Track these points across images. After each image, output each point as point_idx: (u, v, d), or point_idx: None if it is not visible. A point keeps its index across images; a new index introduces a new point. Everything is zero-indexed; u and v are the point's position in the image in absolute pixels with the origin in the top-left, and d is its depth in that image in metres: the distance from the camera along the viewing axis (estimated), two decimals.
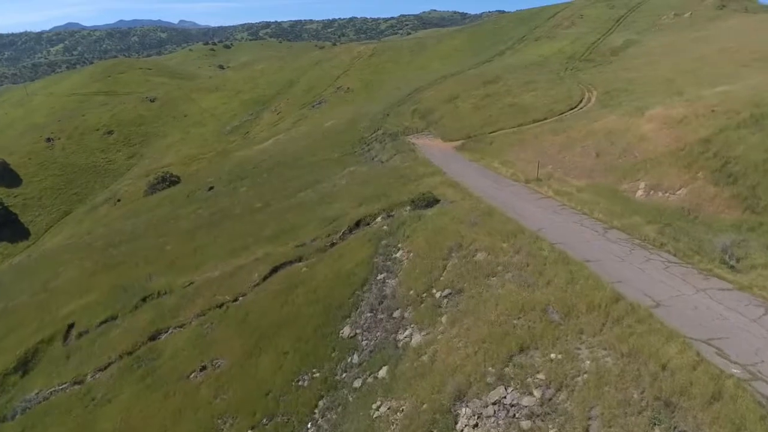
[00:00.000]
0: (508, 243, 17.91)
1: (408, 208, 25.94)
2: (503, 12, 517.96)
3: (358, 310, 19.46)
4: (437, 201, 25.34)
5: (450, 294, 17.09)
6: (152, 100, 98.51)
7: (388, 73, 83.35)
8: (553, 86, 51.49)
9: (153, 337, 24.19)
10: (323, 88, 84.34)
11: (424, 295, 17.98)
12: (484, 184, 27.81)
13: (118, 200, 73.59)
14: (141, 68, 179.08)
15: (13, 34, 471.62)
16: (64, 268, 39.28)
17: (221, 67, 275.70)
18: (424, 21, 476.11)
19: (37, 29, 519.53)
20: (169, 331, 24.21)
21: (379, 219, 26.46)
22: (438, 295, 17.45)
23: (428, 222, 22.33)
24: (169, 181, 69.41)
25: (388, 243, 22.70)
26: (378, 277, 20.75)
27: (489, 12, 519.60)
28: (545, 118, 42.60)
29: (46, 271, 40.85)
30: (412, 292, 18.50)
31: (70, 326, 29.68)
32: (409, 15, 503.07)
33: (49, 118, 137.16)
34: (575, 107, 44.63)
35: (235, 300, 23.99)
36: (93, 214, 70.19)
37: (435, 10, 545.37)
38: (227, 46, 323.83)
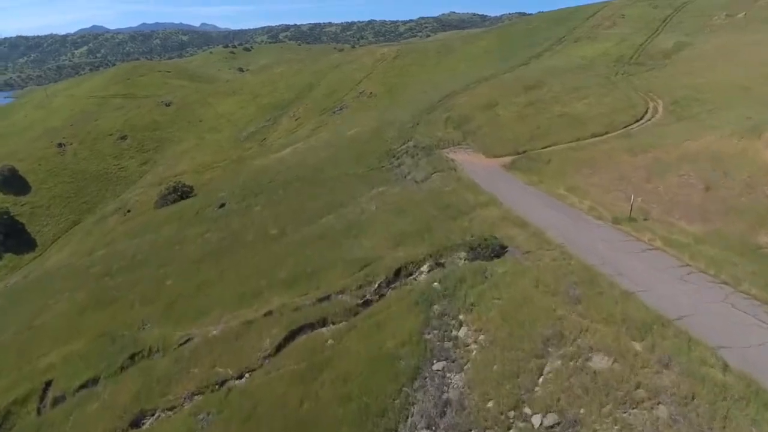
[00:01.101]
0: (644, 343, 11.73)
1: (463, 254, 19.88)
2: (524, 14, 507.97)
3: (409, 421, 13.46)
4: (504, 248, 19.22)
5: (557, 425, 11.00)
6: (167, 105, 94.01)
7: (414, 76, 77.31)
8: (606, 93, 44.90)
9: (135, 423, 18.55)
10: (344, 92, 78.65)
11: (512, 414, 11.92)
12: (558, 221, 21.58)
13: (128, 211, 68.83)
14: (160, 71, 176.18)
15: (38, 37, 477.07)
16: (55, 300, 34.10)
17: (241, 69, 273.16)
18: (443, 23, 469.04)
19: (63, 32, 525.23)
20: (156, 415, 18.53)
21: (424, 268, 20.46)
22: (536, 421, 11.36)
23: (500, 285, 16.20)
24: (181, 191, 64.31)
25: (443, 311, 16.65)
26: (434, 367, 14.73)
27: (509, 14, 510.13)
28: (606, 132, 36.14)
29: (35, 301, 35.77)
30: (491, 404, 12.45)
31: (48, 384, 24.45)
32: (428, 17, 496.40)
33: (67, 121, 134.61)
34: (641, 119, 38.08)
35: (240, 377, 18.21)
36: (101, 226, 65.49)
37: (454, 12, 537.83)
38: (247, 49, 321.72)
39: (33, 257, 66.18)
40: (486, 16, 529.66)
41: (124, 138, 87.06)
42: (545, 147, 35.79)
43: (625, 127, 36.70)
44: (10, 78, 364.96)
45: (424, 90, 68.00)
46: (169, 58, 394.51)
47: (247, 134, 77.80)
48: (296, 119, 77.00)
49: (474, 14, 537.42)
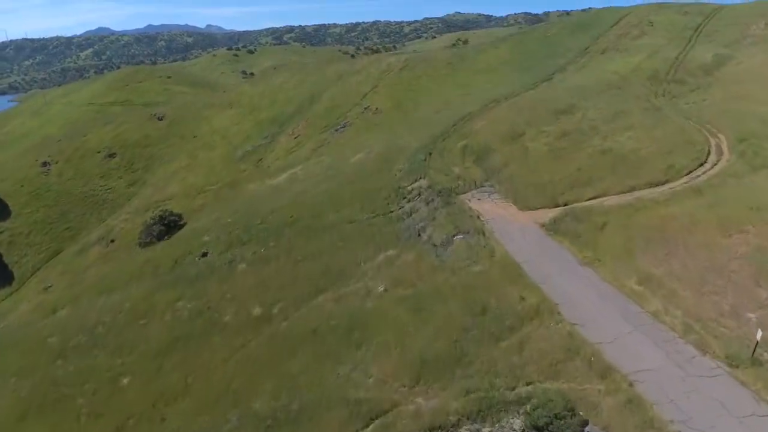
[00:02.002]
0: None
1: (519, 425, 13.10)
2: (529, 14, 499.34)
3: None
4: (584, 426, 12.42)
5: None
6: (160, 118, 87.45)
7: (424, 91, 70.32)
8: (654, 123, 37.81)
9: None
10: (348, 107, 71.79)
11: None
12: (652, 359, 14.72)
13: (112, 241, 62.41)
14: (160, 77, 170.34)
15: (44, 39, 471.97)
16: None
17: (244, 72, 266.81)
18: (448, 24, 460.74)
19: (69, 33, 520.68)
20: None
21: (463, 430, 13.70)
22: None
23: None
24: (167, 221, 57.75)
25: None
26: None
27: (515, 14, 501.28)
28: (667, 181, 29.16)
29: None
30: None
31: None
32: (432, 18, 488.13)
33: (62, 130, 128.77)
34: (705, 162, 31.04)
35: None
36: (81, 259, 59.13)
37: (459, 13, 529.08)
38: (251, 52, 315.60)
39: (8, 293, 59.78)
40: (491, 16, 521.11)
41: (112, 155, 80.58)
42: (592, 198, 28.87)
43: (689, 173, 29.70)
44: (15, 81, 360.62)
45: (435, 108, 61.06)
46: (174, 60, 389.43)
47: (243, 153, 71.12)
48: (296, 137, 70.21)
49: (479, 14, 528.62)
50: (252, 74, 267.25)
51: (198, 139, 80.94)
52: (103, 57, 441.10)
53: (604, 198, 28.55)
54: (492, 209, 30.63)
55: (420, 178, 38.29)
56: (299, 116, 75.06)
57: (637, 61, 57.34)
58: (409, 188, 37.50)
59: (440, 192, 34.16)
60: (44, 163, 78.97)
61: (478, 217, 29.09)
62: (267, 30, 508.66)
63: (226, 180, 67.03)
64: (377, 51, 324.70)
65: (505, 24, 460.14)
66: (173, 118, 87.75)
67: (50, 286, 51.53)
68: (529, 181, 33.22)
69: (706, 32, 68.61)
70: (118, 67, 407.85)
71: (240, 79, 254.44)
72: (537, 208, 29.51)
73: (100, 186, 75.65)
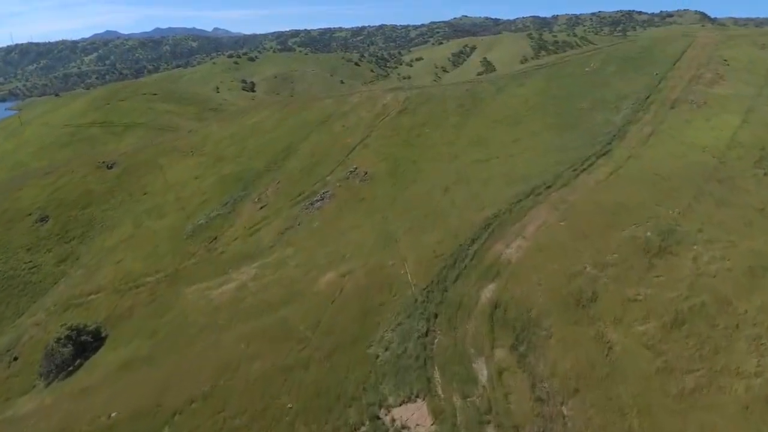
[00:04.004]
0: None
1: None
2: (538, 17, 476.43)
3: None
4: None
5: None
6: (110, 166, 70.29)
7: (427, 147, 52.44)
8: None
9: None
10: (330, 166, 54.13)
11: None
12: None
13: (15, 358, 45.76)
14: (145, 93, 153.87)
15: (49, 43, 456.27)
16: None
17: (244, 81, 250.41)
18: (455, 28, 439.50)
19: (78, 37, 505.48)
20: None
21: None
22: None
23: None
24: (77, 343, 41.08)
25: None
26: None
27: (523, 17, 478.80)
28: None
29: None
30: None
31: None
32: (439, 22, 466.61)
33: (36, 155, 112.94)
34: None
35: None
36: None
37: (466, 16, 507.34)
38: (251, 59, 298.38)
39: None
40: (499, 19, 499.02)
41: (44, 219, 63.51)
42: None
43: None
44: (16, 87, 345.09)
45: (442, 183, 43.12)
46: (177, 65, 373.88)
47: (195, 227, 53.69)
48: (261, 206, 52.66)
49: (486, 18, 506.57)
50: (252, 83, 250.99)
51: (148, 198, 63.60)
52: (107, 62, 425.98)
53: None
54: None
55: (414, 396, 20.65)
56: (269, 176, 57.43)
57: (731, 128, 39.05)
58: (395, 419, 19.90)
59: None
60: None
61: None
62: (272, 34, 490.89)
63: (168, 269, 49.68)
64: (382, 58, 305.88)
65: (514, 28, 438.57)
66: (125, 167, 70.53)
67: None
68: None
69: None
70: (121, 73, 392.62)
71: (239, 89, 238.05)
72: None
73: (25, 263, 58.55)
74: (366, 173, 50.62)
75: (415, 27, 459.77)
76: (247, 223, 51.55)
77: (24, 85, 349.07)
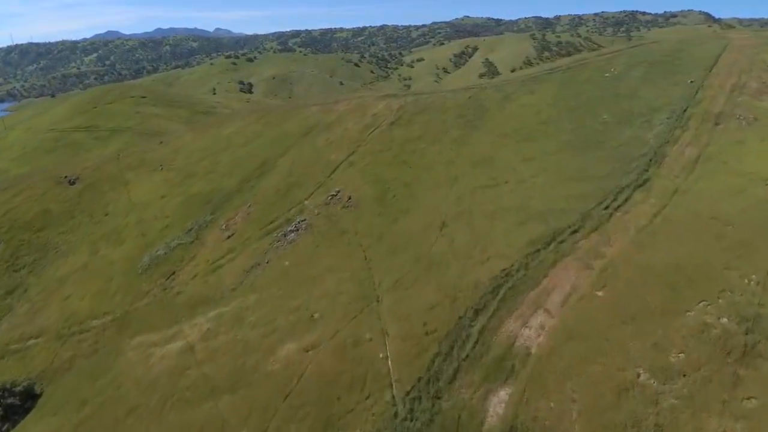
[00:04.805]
0: None
1: None
2: (540, 18, 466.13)
3: None
4: None
5: None
6: (72, 182, 62.26)
7: (423, 166, 44.19)
8: None
9: None
10: (309, 188, 45.93)
11: None
12: None
13: None
14: (134, 96, 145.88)
15: (49, 43, 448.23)
16: None
17: (242, 83, 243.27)
18: (457, 28, 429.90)
19: (79, 37, 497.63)
20: None
21: None
22: None
23: None
24: (3, 406, 33.55)
25: None
26: None
27: (525, 18, 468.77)
28: None
29: None
30: None
31: None
32: (441, 22, 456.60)
33: (19, 161, 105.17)
34: None
35: None
36: None
37: (468, 17, 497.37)
38: (250, 60, 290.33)
39: None
40: (501, 20, 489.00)
41: None
42: None
43: None
44: (14, 88, 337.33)
45: (440, 219, 34.82)
46: (176, 66, 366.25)
47: (152, 259, 45.58)
48: (228, 236, 44.50)
49: (488, 18, 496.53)
50: (250, 84, 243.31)
51: (109, 220, 55.52)
52: (107, 62, 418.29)
53: None
54: None
55: None
56: (240, 197, 49.23)
57: None
58: None
59: None
60: None
61: None
62: (273, 34, 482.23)
63: (117, 311, 41.67)
64: (383, 59, 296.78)
65: (516, 28, 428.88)
66: (88, 183, 62.45)
67: None
68: None
69: None
70: (120, 73, 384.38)
71: (237, 91, 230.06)
72: None
73: None
74: (350, 198, 42.38)
75: (417, 27, 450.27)
76: (211, 256, 43.43)
77: (22, 86, 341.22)
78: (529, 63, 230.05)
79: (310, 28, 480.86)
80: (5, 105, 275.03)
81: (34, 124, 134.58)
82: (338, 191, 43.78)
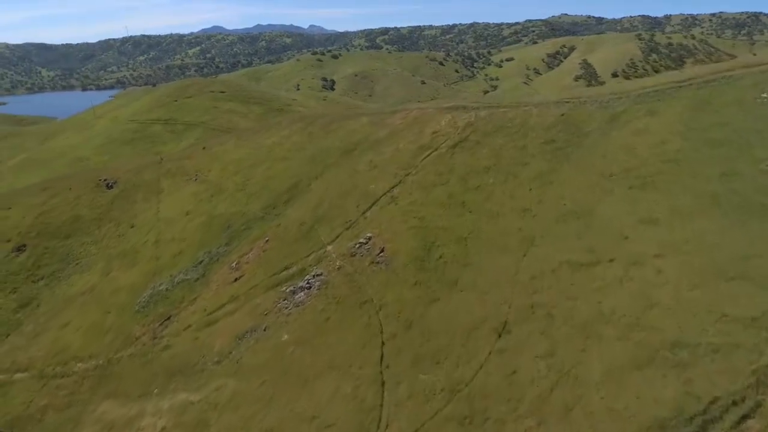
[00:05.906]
0: None
1: None
2: (648, 17, 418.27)
3: None
4: None
5: None
6: (110, 185, 57.76)
7: (487, 213, 32.13)
8: None
9: None
10: (336, 227, 35.72)
11: None
12: None
13: None
14: (212, 91, 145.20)
15: (159, 36, 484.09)
16: None
17: (325, 79, 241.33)
18: (553, 26, 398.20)
19: (187, 31, 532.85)
20: None
21: None
22: None
23: None
24: None
25: None
26: None
27: (630, 17, 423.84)
28: None
29: None
30: None
31: None
32: (535, 20, 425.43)
33: (100, 150, 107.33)
34: None
35: None
36: None
37: (566, 14, 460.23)
38: (335, 56, 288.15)
39: None
40: (603, 18, 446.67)
41: (21, 249, 51.88)
42: None
43: None
44: (123, 76, 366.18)
45: (501, 315, 22.84)
46: (268, 61, 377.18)
47: (151, 296, 38.10)
48: (235, 279, 35.66)
49: (589, 16, 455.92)
50: (333, 81, 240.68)
51: (131, 235, 49.56)
52: (208, 55, 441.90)
53: None
54: None
55: None
56: (260, 227, 40.21)
57: None
58: None
59: None
60: None
61: None
62: (362, 32, 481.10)
63: (101, 357, 34.63)
64: (470, 58, 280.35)
65: (619, 28, 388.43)
66: (124, 188, 57.44)
67: None
68: None
69: None
70: (218, 67, 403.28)
71: (320, 87, 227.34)
72: None
73: None
74: (382, 251, 31.42)
75: (509, 25, 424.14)
76: (211, 302, 34.78)
77: (131, 75, 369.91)
78: (633, 66, 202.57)
79: (399, 26, 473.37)
80: (112, 92, 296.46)
81: (119, 114, 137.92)
82: (369, 238, 33.01)
